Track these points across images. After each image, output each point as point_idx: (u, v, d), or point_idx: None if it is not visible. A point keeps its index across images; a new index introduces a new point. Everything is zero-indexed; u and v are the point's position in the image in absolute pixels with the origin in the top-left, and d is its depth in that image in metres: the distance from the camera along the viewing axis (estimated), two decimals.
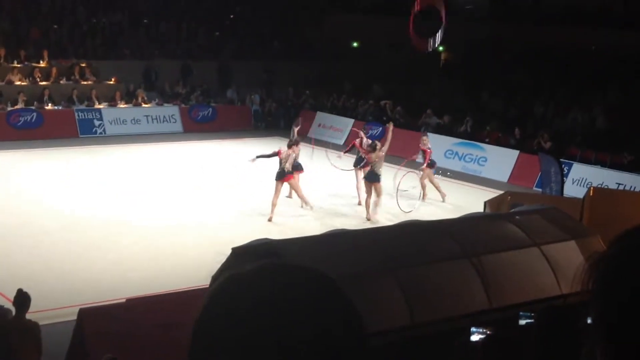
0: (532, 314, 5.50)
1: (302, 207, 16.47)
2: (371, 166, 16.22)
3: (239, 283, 1.16)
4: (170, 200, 16.99)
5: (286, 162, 15.97)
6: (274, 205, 15.80)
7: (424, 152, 18.18)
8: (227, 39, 33.23)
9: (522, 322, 5.65)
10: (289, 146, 16.27)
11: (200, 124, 27.29)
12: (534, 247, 9.61)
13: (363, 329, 1.17)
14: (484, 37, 30.50)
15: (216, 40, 33.27)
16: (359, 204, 17.14)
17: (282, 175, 15.99)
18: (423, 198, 17.94)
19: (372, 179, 16.12)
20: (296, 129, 17.87)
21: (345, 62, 32.83)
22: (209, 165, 21.20)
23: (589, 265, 1.28)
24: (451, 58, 34.61)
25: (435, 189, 18.20)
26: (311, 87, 30.08)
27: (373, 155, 16.19)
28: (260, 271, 1.17)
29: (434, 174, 18.48)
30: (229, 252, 8.74)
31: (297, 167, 16.51)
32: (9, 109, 24.26)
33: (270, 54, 32.97)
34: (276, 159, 16.18)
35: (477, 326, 5.78)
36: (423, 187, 18.05)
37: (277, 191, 15.93)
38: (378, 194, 16.15)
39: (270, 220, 15.65)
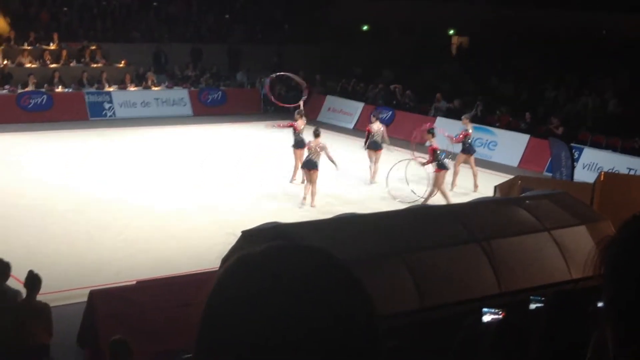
0: (543, 298, 5.49)
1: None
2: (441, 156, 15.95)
3: (250, 264, 1.15)
4: (180, 183, 17.03)
5: (315, 154, 15.76)
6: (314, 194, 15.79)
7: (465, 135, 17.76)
8: (237, 22, 33.15)
9: (533, 306, 5.63)
10: (317, 135, 15.95)
11: (210, 108, 27.27)
12: (544, 231, 9.59)
13: (375, 312, 1.16)
14: (494, 21, 30.32)
15: (226, 24, 33.18)
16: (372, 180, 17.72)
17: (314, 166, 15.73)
18: (452, 186, 17.29)
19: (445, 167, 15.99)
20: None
21: (355, 45, 32.72)
22: (219, 148, 21.22)
23: (600, 250, 1.28)
24: (461, 42, 34.45)
25: (473, 176, 17.65)
26: (321, 71, 30.00)
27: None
28: (271, 252, 1.16)
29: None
30: (239, 235, 8.77)
31: (300, 144, 16.54)
32: (19, 91, 24.32)
33: (280, 37, 32.87)
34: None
35: (487, 309, 5.77)
36: (455, 173, 17.50)
37: (312, 181, 15.78)
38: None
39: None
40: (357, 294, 1.15)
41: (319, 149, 15.73)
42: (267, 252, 1.17)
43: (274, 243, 1.19)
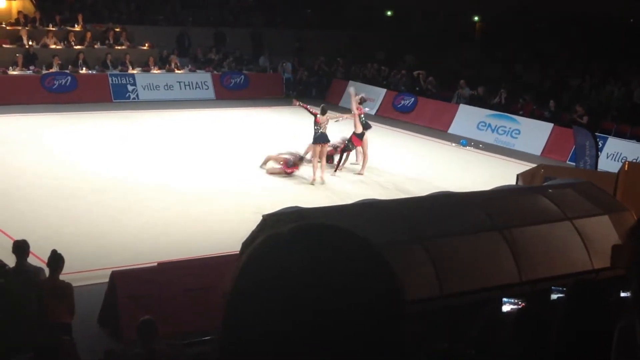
0: (564, 289, 5.46)
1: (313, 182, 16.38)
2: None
3: (278, 243, 1.16)
4: (202, 167, 17.08)
5: (325, 127, 16.30)
6: (315, 167, 16.21)
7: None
8: (260, 6, 33.10)
9: (554, 296, 5.61)
10: (324, 113, 16.42)
11: (232, 91, 27.29)
12: (567, 221, 9.52)
13: (401, 289, 1.16)
14: (520, 7, 30.05)
15: (249, 8, 33.15)
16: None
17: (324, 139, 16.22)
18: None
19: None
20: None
21: (378, 30, 32.57)
22: (241, 132, 21.24)
23: (626, 239, 1.26)
24: (486, 27, 34.19)
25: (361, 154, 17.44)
26: (343, 56, 29.90)
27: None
28: (299, 231, 1.17)
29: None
30: (259, 219, 8.79)
31: (324, 139, 16.44)
32: (44, 72, 24.47)
33: (302, 21, 32.77)
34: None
35: (508, 297, 5.76)
36: (364, 155, 17.23)
37: (315, 154, 16.26)
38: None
39: (312, 183, 16.10)
40: (384, 271, 1.15)
41: (327, 119, 16.37)
42: (296, 231, 1.17)
43: (302, 223, 1.19)
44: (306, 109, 16.76)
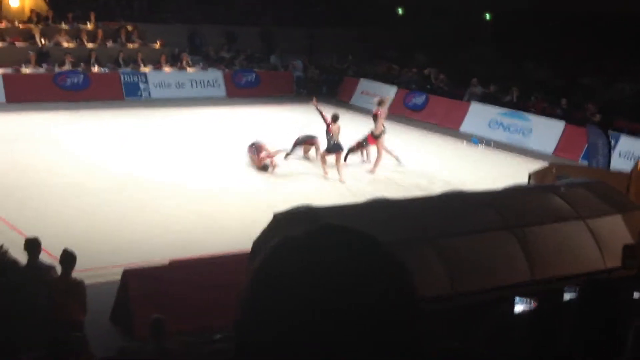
0: (577, 288, 5.45)
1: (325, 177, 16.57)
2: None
3: (295, 245, 1.17)
4: (213, 164, 17.11)
5: (337, 136, 16.66)
6: (324, 164, 16.62)
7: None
8: (271, 4, 33.12)
9: (567, 297, 5.59)
10: (336, 120, 16.72)
11: (244, 89, 27.32)
12: (579, 220, 9.49)
13: (415, 291, 1.17)
14: (531, 4, 29.94)
15: (260, 6, 33.19)
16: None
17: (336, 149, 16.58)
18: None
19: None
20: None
21: (389, 28, 32.53)
22: (252, 130, 21.25)
23: (639, 239, 1.26)
24: (497, 25, 34.09)
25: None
26: (354, 54, 29.87)
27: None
28: (315, 233, 1.18)
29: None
30: (270, 217, 8.79)
31: (338, 147, 16.59)
32: (57, 70, 24.58)
33: (313, 19, 32.77)
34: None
35: (520, 297, 5.75)
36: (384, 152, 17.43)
37: (324, 159, 16.70)
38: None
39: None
40: (397, 272, 1.16)
41: (339, 128, 16.78)
42: (311, 233, 1.17)
43: (317, 225, 1.20)
44: (321, 114, 16.82)
